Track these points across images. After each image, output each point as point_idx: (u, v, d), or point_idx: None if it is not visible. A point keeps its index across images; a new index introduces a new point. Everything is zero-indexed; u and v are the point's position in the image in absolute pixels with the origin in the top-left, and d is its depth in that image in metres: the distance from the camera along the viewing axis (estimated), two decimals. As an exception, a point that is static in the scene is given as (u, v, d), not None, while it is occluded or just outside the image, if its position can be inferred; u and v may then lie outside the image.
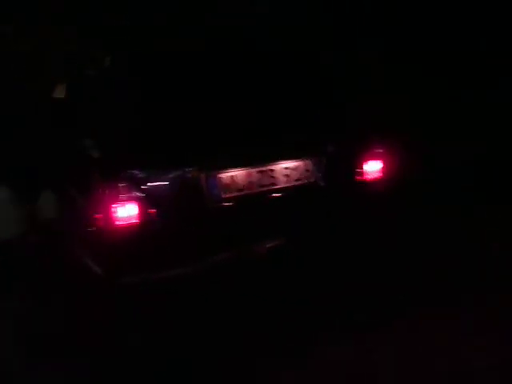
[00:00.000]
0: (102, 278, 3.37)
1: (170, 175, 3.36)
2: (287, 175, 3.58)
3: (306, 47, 4.15)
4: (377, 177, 3.84)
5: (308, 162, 3.63)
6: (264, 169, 3.52)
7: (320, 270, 3.83)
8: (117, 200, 3.25)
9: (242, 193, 3.48)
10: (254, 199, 3.52)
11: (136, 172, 3.30)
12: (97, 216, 3.29)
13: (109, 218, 3.25)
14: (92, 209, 3.31)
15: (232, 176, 3.44)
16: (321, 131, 3.71)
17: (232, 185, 3.45)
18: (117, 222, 3.25)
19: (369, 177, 3.82)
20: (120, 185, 3.26)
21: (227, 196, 3.45)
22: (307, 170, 3.63)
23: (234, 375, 3.10)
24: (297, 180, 3.61)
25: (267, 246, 3.59)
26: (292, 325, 3.46)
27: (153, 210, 3.30)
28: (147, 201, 3.28)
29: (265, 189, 3.53)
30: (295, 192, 3.61)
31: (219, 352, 3.27)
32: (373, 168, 3.82)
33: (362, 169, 3.79)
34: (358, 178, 3.80)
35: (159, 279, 3.39)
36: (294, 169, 3.60)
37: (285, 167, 3.57)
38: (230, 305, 3.60)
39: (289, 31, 4.30)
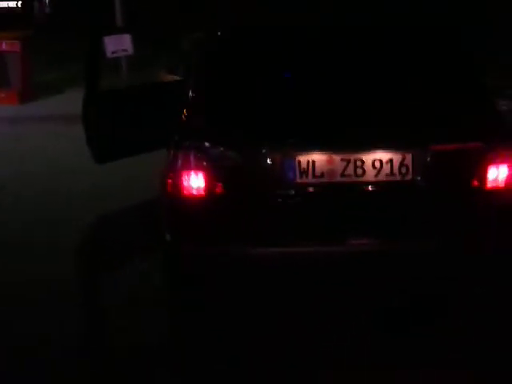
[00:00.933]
0: (169, 243, 3.35)
1: (245, 150, 3.15)
2: (377, 168, 3.05)
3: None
4: (502, 186, 3.05)
5: (407, 155, 3.04)
6: (349, 157, 3.05)
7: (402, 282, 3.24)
8: (188, 168, 3.16)
9: (320, 180, 3.08)
10: (333, 189, 3.10)
11: (212, 143, 3.17)
12: (169, 181, 3.24)
13: (178, 184, 3.19)
14: (167, 173, 3.28)
15: (311, 160, 3.07)
16: (430, 122, 3.06)
17: (310, 169, 3.07)
18: (184, 191, 3.18)
19: (491, 185, 3.05)
20: (194, 154, 3.16)
21: (303, 181, 3.10)
22: (404, 166, 3.05)
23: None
24: (389, 175, 3.06)
25: (350, 243, 3.16)
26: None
27: (222, 185, 3.14)
28: (218, 174, 3.13)
29: (347, 179, 3.07)
30: (385, 189, 3.07)
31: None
32: (497, 174, 3.04)
33: (483, 173, 3.04)
34: (475, 184, 3.06)
35: (220, 255, 3.23)
36: (387, 162, 3.05)
37: (375, 158, 3.05)
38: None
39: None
